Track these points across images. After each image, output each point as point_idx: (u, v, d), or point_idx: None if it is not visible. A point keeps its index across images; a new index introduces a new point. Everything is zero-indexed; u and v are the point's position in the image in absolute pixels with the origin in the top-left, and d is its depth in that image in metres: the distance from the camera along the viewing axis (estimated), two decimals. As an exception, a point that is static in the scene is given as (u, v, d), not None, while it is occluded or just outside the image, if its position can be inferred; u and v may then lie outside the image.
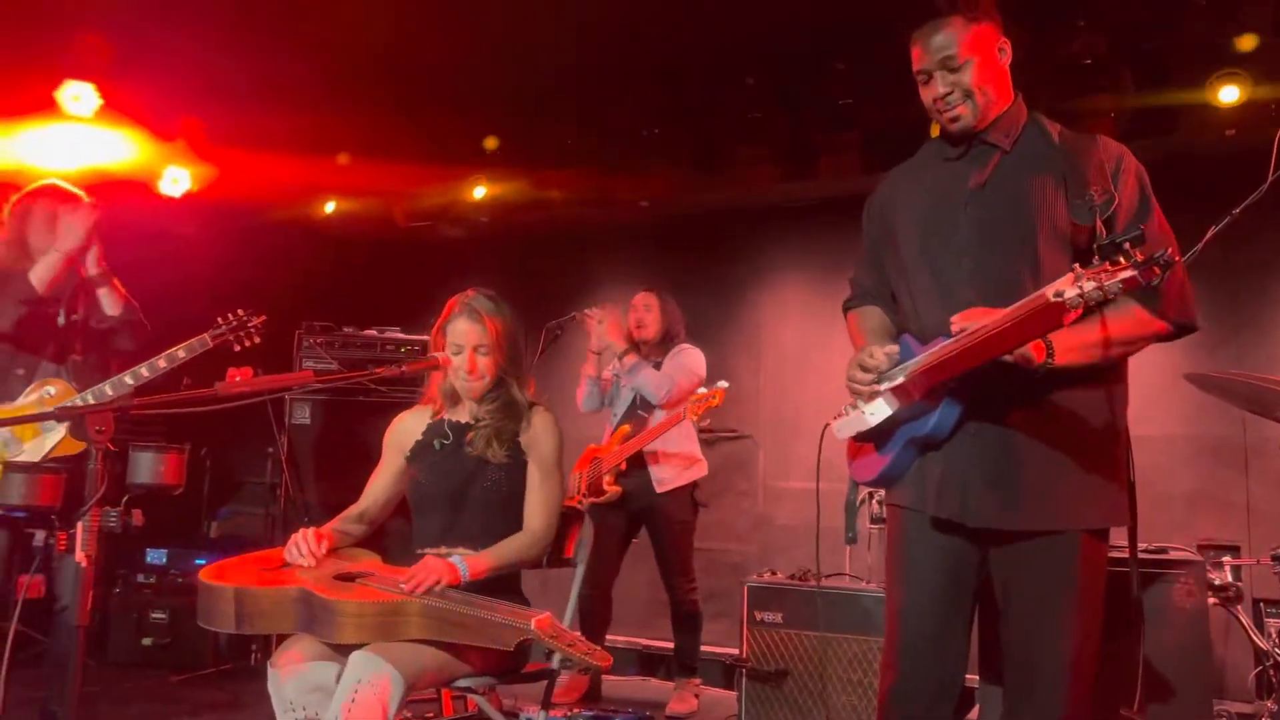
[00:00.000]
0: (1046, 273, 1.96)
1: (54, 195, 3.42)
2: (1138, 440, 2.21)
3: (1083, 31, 3.98)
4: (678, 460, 4.37)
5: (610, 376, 4.55)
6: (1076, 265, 1.76)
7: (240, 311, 3.40)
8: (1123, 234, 1.74)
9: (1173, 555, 3.51)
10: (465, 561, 2.38)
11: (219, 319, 3.37)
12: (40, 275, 3.26)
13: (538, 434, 2.66)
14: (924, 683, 2.13)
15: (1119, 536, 3.08)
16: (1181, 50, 3.86)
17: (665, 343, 4.46)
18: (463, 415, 2.72)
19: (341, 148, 5.37)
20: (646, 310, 4.47)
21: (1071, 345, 1.92)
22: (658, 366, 4.38)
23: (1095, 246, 1.80)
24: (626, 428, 4.37)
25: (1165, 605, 3.32)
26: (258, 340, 3.38)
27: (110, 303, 3.40)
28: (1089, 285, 1.71)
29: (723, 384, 4.19)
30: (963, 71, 2.07)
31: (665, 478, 4.33)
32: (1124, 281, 1.71)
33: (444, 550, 2.57)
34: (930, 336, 2.06)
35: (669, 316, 4.50)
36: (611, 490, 4.32)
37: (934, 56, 2.08)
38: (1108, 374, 2.07)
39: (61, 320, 3.32)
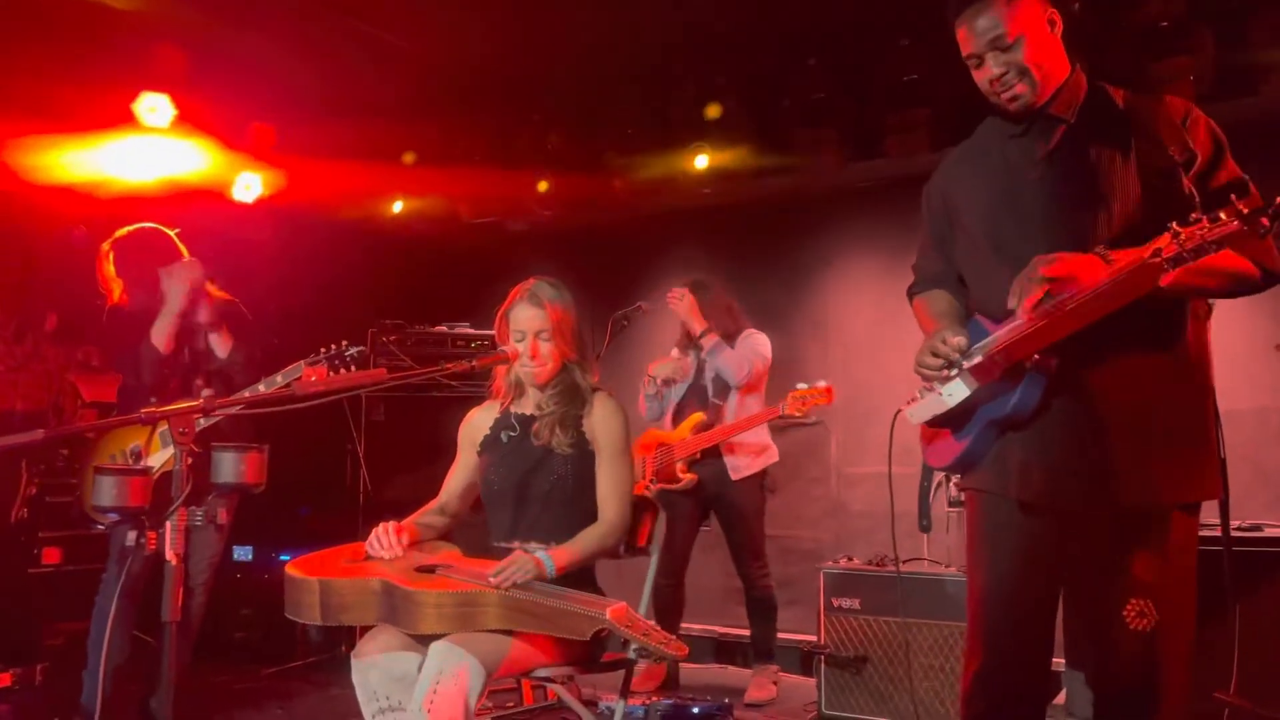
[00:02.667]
0: (1123, 240, 1.91)
1: (153, 251, 3.62)
2: (1229, 415, 2.13)
3: (1160, -8, 3.84)
4: (752, 448, 4.37)
5: (663, 386, 4.55)
6: (1174, 224, 1.73)
7: (345, 342, 3.52)
8: (1199, 185, 1.70)
9: (1269, 533, 3.40)
10: (550, 555, 2.40)
11: (321, 348, 3.49)
12: (159, 337, 3.53)
13: (601, 419, 2.65)
14: (1010, 669, 2.09)
15: (1211, 515, 2.98)
16: (1264, 6, 3.69)
17: (734, 329, 4.47)
18: (528, 406, 2.73)
19: (406, 149, 5.44)
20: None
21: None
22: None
23: (1194, 201, 1.76)
24: (701, 415, 4.37)
25: (1262, 584, 3.21)
26: (353, 369, 3.47)
27: (219, 346, 3.65)
28: (1189, 243, 1.68)
29: (822, 383, 4.17)
30: (1015, 50, 2.03)
31: (740, 465, 4.34)
32: (1227, 236, 1.68)
33: (517, 544, 2.60)
34: (1004, 315, 2.01)
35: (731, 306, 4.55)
36: (687, 477, 4.33)
37: (982, 39, 2.04)
38: (1192, 341, 2.02)
39: (186, 356, 3.60)
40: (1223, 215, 1.71)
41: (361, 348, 3.54)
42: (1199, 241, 1.71)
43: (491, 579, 2.25)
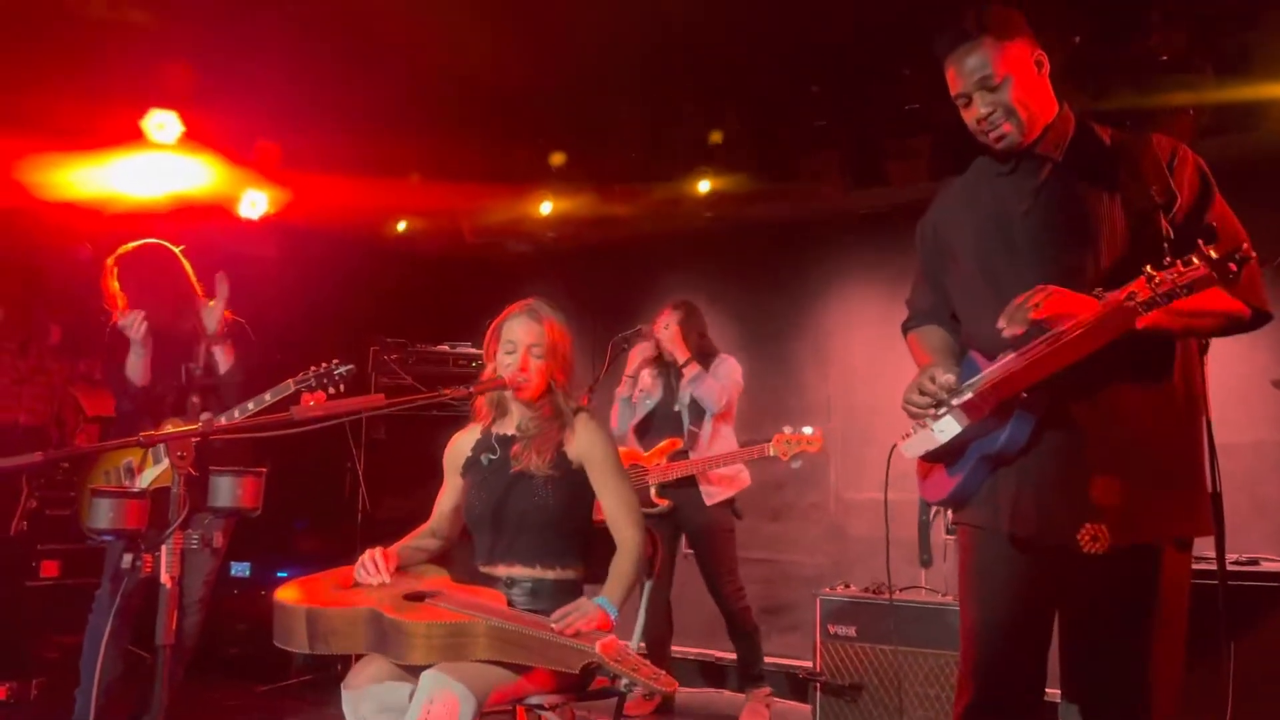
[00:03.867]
0: (1111, 277, 1.93)
1: (157, 267, 3.61)
2: (1226, 448, 2.14)
3: (1159, 26, 3.85)
4: (726, 475, 4.42)
5: (639, 394, 4.58)
6: (1148, 267, 1.76)
7: (335, 360, 3.50)
8: (1186, 227, 1.76)
9: (1266, 567, 3.39)
10: (607, 599, 2.40)
11: (312, 366, 3.48)
12: (133, 372, 3.52)
13: (588, 441, 2.62)
14: (1002, 703, 2.09)
15: (1208, 548, 2.98)
16: (1265, 42, 3.71)
17: (705, 354, 4.50)
18: (509, 427, 2.71)
19: (411, 168, 5.46)
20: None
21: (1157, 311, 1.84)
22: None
23: (1166, 244, 1.78)
24: (678, 441, 4.39)
25: (1257, 619, 3.20)
26: (342, 389, 3.47)
27: (221, 360, 3.61)
28: (1161, 287, 1.70)
29: (808, 430, 4.17)
30: (1001, 90, 2.05)
31: (714, 492, 4.38)
32: (1197, 281, 1.70)
33: (499, 567, 2.59)
34: (995, 352, 2.02)
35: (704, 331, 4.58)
36: (661, 503, 4.35)
37: (970, 79, 2.06)
38: (1185, 377, 2.02)
39: (183, 376, 3.58)
40: (1195, 260, 1.73)
41: (351, 366, 3.52)
42: (1170, 286, 1.74)
43: (554, 625, 2.23)
